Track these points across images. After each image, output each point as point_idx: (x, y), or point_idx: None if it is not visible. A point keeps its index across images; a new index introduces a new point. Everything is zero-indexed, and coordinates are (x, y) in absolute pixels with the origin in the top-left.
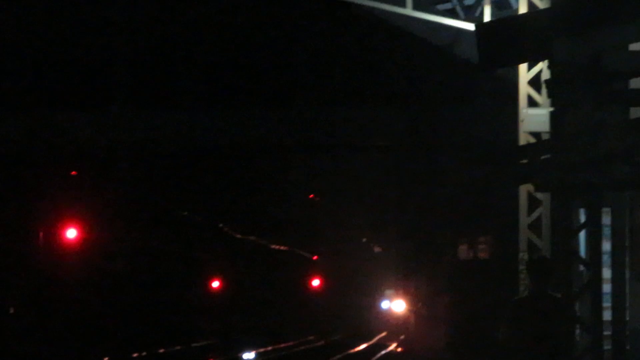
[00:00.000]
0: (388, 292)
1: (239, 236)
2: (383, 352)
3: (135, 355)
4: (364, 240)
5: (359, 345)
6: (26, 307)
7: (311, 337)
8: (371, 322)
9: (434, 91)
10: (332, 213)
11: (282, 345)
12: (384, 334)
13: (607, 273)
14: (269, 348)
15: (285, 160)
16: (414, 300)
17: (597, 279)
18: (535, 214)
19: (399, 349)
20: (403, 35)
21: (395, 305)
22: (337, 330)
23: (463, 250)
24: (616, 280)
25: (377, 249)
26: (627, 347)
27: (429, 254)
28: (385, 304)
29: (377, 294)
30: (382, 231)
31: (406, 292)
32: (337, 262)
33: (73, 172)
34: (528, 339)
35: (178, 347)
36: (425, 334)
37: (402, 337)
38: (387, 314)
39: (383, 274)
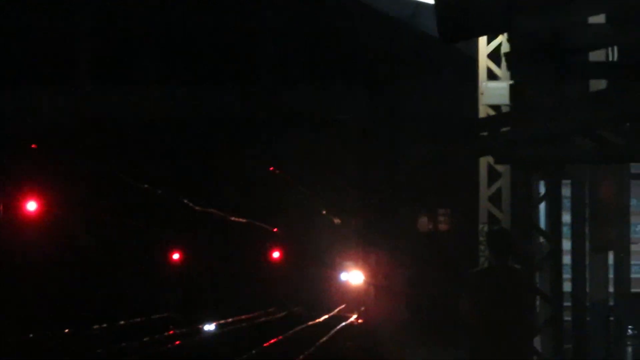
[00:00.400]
0: (347, 264)
1: (199, 209)
2: (343, 323)
3: (95, 327)
4: (324, 212)
5: (319, 316)
6: None
7: (272, 309)
8: (331, 294)
9: (394, 65)
10: (293, 186)
11: (243, 317)
12: (343, 305)
13: (567, 245)
14: (229, 320)
15: (246, 134)
16: (374, 272)
17: (557, 251)
18: (495, 186)
19: (359, 321)
20: (362, 8)
21: (354, 277)
22: (298, 302)
23: (423, 223)
24: (576, 252)
25: (337, 221)
26: (588, 319)
27: (388, 226)
28: (344, 276)
29: (337, 266)
30: (342, 204)
31: (366, 265)
32: (297, 234)
33: (33, 145)
34: (488, 311)
35: (138, 320)
36: (384, 306)
37: (362, 308)
38: (346, 286)
39: (343, 246)
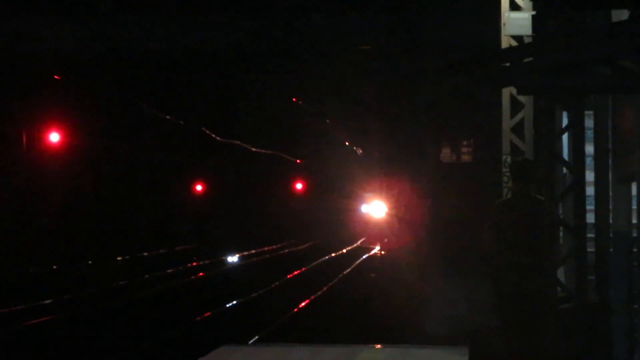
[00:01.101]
0: (369, 195)
1: (221, 139)
2: (366, 255)
3: (119, 258)
4: (346, 143)
5: (342, 248)
6: (8, 211)
7: (293, 241)
8: (353, 225)
9: None
10: (314, 116)
11: (266, 248)
12: (364, 237)
13: (590, 176)
14: (253, 251)
15: (268, 65)
16: (396, 203)
17: (580, 182)
18: (517, 117)
19: (381, 252)
20: None
21: (376, 208)
22: (320, 234)
23: (446, 153)
24: (599, 183)
25: (359, 152)
26: (611, 250)
27: (411, 157)
28: (365, 208)
29: (359, 198)
30: (364, 134)
31: (388, 196)
32: (319, 165)
33: (56, 77)
34: (511, 241)
35: (162, 251)
36: (407, 237)
37: (385, 240)
38: (368, 218)
39: (365, 177)
